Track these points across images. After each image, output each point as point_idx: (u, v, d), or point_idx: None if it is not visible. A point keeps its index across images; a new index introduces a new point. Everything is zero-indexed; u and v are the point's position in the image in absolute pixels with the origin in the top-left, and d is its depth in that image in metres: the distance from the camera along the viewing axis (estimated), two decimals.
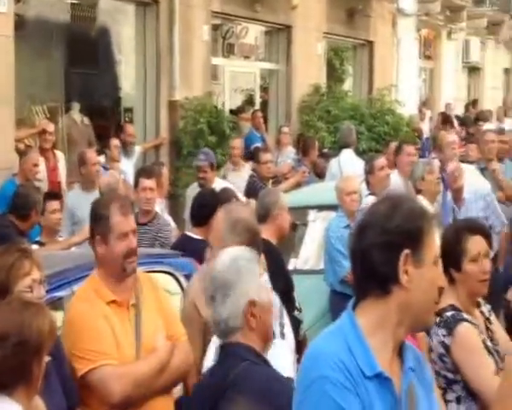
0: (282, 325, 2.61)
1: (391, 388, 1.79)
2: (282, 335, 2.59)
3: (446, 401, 2.95)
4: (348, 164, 8.02)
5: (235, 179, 7.52)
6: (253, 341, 2.36)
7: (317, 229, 6.15)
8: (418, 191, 5.73)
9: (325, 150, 9.60)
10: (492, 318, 3.22)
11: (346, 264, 5.33)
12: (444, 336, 2.98)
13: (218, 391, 2.28)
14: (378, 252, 1.79)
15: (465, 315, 3.04)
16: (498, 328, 3.17)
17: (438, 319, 2.96)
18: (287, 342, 2.60)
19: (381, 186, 5.91)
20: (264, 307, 2.38)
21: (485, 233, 3.21)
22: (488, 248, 3.16)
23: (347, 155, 8.40)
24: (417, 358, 1.93)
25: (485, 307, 3.26)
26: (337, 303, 4.92)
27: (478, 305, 3.24)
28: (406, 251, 1.79)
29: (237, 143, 8.44)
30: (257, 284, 2.36)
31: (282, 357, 2.56)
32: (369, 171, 6.14)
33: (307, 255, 6.17)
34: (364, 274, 1.83)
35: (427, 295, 1.83)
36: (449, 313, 3.01)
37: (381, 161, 6.32)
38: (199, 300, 3.21)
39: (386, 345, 1.82)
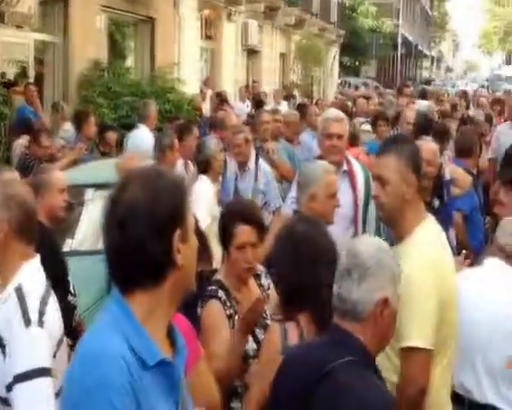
0: (41, 313, 2.40)
1: (171, 372, 1.75)
2: (41, 323, 2.38)
3: None
4: (139, 140, 7.79)
5: None
6: (368, 339, 2.14)
7: (94, 208, 5.88)
8: (203, 171, 5.71)
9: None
10: (272, 292, 3.27)
11: None
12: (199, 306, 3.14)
13: (311, 377, 2.06)
14: (152, 242, 1.69)
15: (220, 293, 3.16)
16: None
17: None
18: (45, 331, 2.40)
19: (172, 165, 5.87)
20: (394, 312, 2.18)
21: (258, 223, 3.25)
22: (257, 238, 3.21)
23: (140, 131, 8.15)
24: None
25: (266, 281, 3.34)
26: None
27: (258, 277, 3.33)
28: (178, 232, 1.73)
29: None
30: (395, 286, 2.18)
31: (38, 347, 2.37)
32: (170, 146, 6.00)
33: (84, 236, 5.88)
34: (137, 266, 1.71)
35: (193, 264, 1.81)
36: (210, 287, 3.17)
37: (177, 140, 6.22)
38: None
39: (160, 327, 1.77)
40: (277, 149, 7.20)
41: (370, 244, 2.24)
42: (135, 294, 1.73)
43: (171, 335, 1.82)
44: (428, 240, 2.85)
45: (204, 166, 5.74)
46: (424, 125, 6.75)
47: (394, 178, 2.85)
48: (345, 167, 4.73)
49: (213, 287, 3.15)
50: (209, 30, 18.11)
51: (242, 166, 6.30)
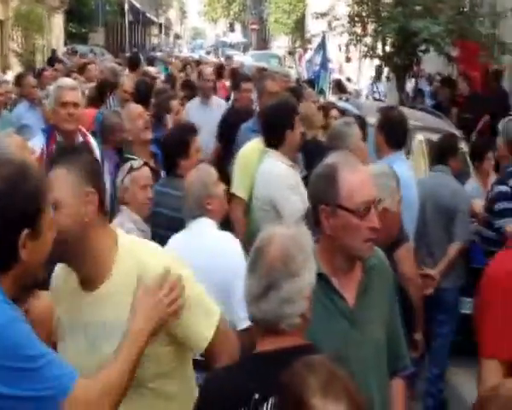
0: None
1: None
2: None
3: None
4: None
5: None
6: None
7: None
8: None
9: None
10: None
11: None
12: None
13: None
14: None
15: None
16: None
17: None
18: None
19: None
20: None
21: None
22: None
23: None
24: None
25: None
26: None
27: None
28: (26, 231, 1.88)
29: None
30: None
31: None
32: None
33: None
34: None
35: (40, 259, 1.95)
36: None
37: None
38: None
39: None
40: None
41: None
42: None
43: None
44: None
45: None
46: (145, 92, 6.75)
47: (69, 197, 2.18)
48: (81, 139, 4.71)
49: None
50: None
51: None
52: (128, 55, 18.08)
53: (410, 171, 4.68)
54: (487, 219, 5.12)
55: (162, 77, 12.21)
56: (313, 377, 1.48)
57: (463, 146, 6.69)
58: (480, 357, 2.65)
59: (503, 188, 4.95)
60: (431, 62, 13.39)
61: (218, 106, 7.89)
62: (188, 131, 4.58)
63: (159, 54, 29.66)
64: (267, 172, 4.38)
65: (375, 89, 15.79)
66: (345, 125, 4.41)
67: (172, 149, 4.48)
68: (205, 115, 6.97)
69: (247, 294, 2.01)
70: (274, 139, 4.46)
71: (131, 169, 4.06)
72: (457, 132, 7.11)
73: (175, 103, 6.12)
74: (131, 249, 2.26)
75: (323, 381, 1.47)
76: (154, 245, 2.43)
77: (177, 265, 2.31)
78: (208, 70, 8.47)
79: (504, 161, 5.24)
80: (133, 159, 4.44)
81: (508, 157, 5.11)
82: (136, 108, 5.22)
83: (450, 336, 5.30)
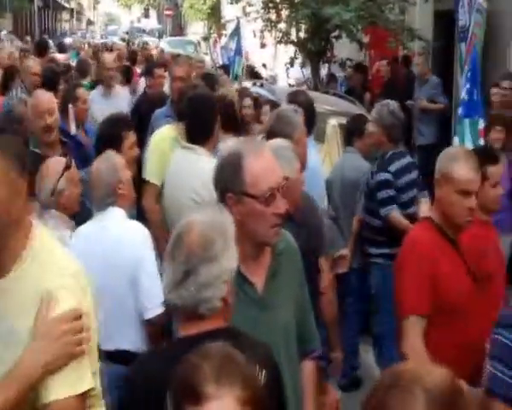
0: None
1: None
2: None
3: None
4: None
5: None
6: None
7: None
8: None
9: None
10: None
11: None
12: None
13: None
14: None
15: None
16: None
17: None
18: None
19: None
20: None
21: None
22: None
23: None
24: None
25: None
26: None
27: None
28: None
29: None
30: None
31: None
32: None
33: None
34: None
35: None
36: None
37: None
38: None
39: None
40: None
41: None
42: None
43: None
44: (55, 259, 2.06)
45: None
46: (51, 79, 6.59)
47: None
48: None
49: None
50: None
51: None
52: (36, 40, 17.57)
53: (317, 157, 4.71)
54: (371, 208, 5.14)
55: (73, 64, 11.94)
56: (206, 364, 1.47)
57: None
58: (400, 320, 2.89)
59: (385, 175, 4.97)
60: (344, 48, 13.56)
61: (123, 95, 7.71)
62: (121, 124, 4.29)
63: (69, 40, 28.92)
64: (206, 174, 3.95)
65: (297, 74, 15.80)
66: (293, 111, 4.02)
67: (104, 142, 4.13)
68: (107, 105, 6.66)
69: (167, 281, 1.99)
70: (202, 135, 4.12)
71: (66, 168, 3.61)
72: (369, 117, 7.23)
73: (81, 92, 5.91)
74: (45, 246, 2.05)
75: (216, 367, 1.46)
76: (66, 263, 2.09)
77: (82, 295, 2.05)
78: (109, 58, 7.85)
79: (381, 146, 5.15)
80: (37, 153, 4.28)
81: (384, 143, 5.08)
82: (40, 105, 4.74)
83: (355, 317, 5.44)
